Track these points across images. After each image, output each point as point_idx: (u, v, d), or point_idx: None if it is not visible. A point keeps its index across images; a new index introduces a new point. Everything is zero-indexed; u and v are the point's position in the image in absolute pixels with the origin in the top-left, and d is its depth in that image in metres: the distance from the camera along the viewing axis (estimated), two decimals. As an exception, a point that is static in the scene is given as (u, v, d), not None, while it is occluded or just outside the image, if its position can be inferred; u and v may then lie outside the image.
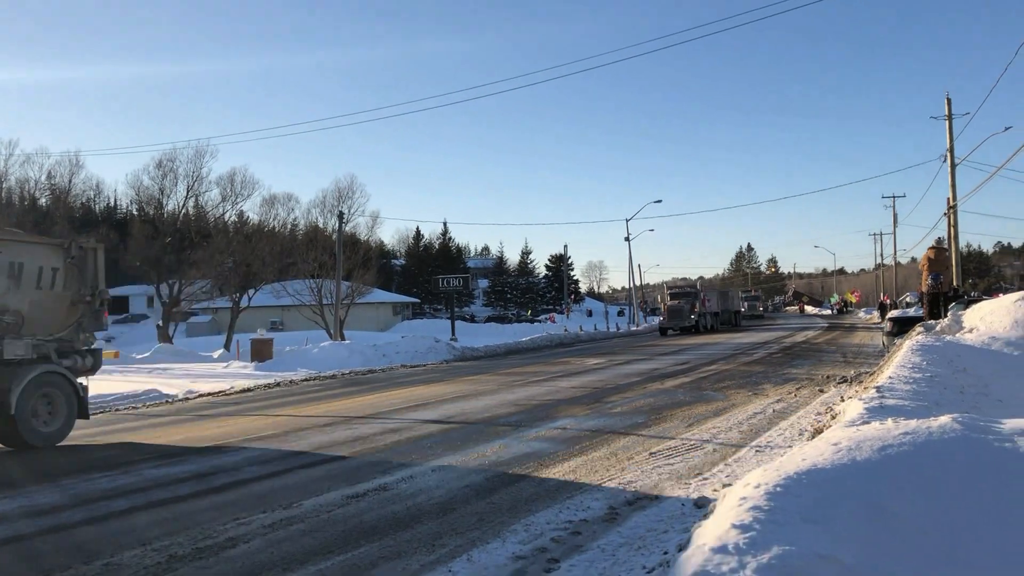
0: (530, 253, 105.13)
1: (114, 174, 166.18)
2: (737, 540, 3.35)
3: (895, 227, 70.07)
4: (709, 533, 3.52)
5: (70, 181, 52.25)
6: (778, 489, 3.76)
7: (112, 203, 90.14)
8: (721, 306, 54.06)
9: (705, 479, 7.93)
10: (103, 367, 14.28)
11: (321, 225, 53.09)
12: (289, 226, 55.73)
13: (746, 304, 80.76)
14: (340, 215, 42.12)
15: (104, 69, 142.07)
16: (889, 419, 5.03)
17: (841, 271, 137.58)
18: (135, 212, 59.18)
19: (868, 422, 6.30)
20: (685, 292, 48.74)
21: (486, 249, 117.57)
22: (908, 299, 58.95)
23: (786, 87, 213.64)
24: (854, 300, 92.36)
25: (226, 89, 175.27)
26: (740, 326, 56.57)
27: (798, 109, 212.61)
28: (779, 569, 3.12)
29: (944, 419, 4.62)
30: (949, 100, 34.13)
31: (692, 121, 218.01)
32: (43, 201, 52.06)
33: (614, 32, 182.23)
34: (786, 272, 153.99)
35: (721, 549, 3.30)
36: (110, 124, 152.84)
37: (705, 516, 4.37)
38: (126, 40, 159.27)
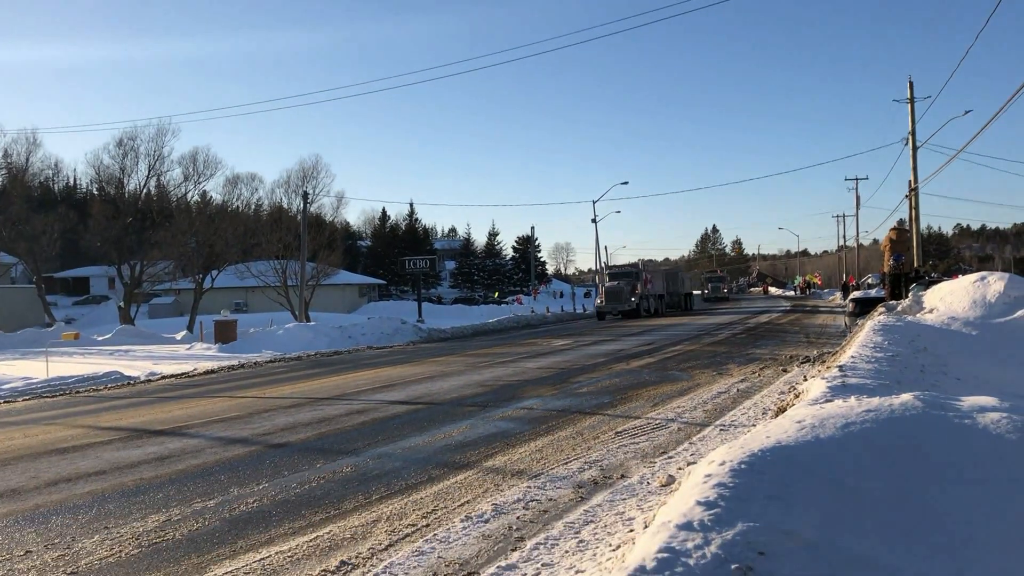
0: (497, 235, 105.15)
1: (73, 153, 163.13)
2: (702, 517, 3.36)
3: (857, 209, 71.03)
4: (674, 510, 3.53)
5: (27, 160, 51.17)
6: (743, 466, 3.78)
7: (72, 182, 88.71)
8: (668, 288, 50.07)
9: (670, 458, 7.98)
10: (63, 349, 14.01)
11: (286, 206, 52.62)
12: (253, 206, 55.22)
13: (710, 286, 78.65)
14: (305, 195, 41.74)
15: (62, 46, 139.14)
16: (852, 397, 5.08)
17: (804, 253, 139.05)
18: (95, 192, 58.21)
19: (831, 400, 6.37)
20: (625, 272, 44.57)
21: (453, 231, 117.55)
22: (870, 280, 59.86)
23: (751, 70, 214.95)
24: (817, 282, 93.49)
25: (188, 68, 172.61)
26: (692, 310, 52.92)
27: (763, 91, 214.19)
28: (743, 545, 3.14)
29: (905, 397, 4.68)
30: (911, 83, 34.52)
31: (659, 103, 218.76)
32: (-1, 180, 50.97)
33: (580, 12, 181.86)
34: (751, 253, 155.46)
35: (686, 526, 3.31)
36: (68, 102, 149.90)
37: (671, 494, 4.39)
38: (85, 17, 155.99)
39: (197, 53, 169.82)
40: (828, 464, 3.83)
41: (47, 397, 16.35)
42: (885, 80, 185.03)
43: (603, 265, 53.83)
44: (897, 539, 3.27)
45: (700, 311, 50.42)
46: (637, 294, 41.93)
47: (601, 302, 42.86)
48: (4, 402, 15.72)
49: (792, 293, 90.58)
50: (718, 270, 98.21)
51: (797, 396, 8.72)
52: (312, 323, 34.20)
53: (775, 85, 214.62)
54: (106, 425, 11.56)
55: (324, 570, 5.03)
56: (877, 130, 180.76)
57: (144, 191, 48.07)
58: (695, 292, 68.53)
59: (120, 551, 5.51)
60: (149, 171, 47.55)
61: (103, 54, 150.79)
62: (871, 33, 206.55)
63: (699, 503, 3.48)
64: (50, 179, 77.73)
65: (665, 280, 49.52)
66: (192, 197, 51.67)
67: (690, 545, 3.16)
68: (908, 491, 3.63)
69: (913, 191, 33.76)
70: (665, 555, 3.10)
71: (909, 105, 34.69)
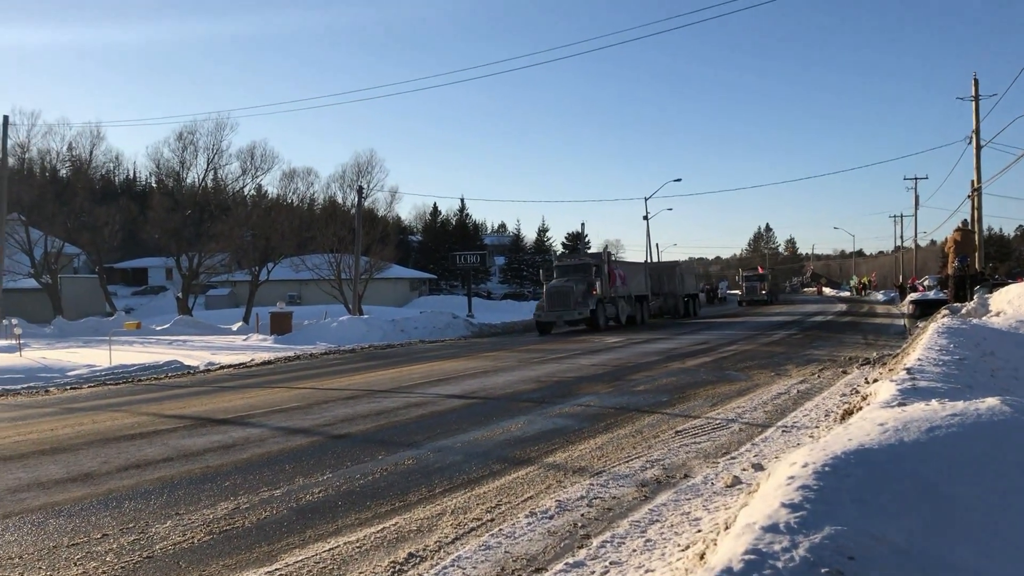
0: (547, 231, 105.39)
1: (133, 146, 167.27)
2: (788, 519, 3.30)
3: (916, 209, 69.53)
4: (758, 512, 3.47)
5: (91, 152, 52.46)
6: (826, 469, 3.71)
7: (132, 175, 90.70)
8: (659, 287, 40.39)
9: (733, 458, 7.87)
10: (124, 337, 14.37)
11: (340, 200, 53.30)
12: (308, 200, 55.92)
13: (745, 286, 65.77)
14: (360, 190, 42.19)
15: (123, 36, 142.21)
16: (934, 400, 4.96)
17: (860, 253, 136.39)
18: (155, 184, 59.44)
19: (904, 403, 6.23)
20: (580, 265, 32.69)
21: (503, 226, 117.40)
22: (927, 282, 58.52)
23: (808, 66, 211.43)
24: (872, 282, 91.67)
25: (246, 60, 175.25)
26: (696, 315, 43.00)
27: (820, 88, 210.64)
28: (832, 549, 3.08)
29: (992, 401, 4.55)
30: (976, 80, 33.66)
31: (713, 99, 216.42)
32: (63, 172, 52.35)
33: (632, 7, 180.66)
34: (804, 253, 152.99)
35: (772, 528, 3.25)
36: (129, 95, 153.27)
37: (748, 494, 4.33)
38: (143, 9, 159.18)
39: (254, 41, 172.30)
40: (915, 468, 3.73)
41: (110, 384, 16.75)
42: (948, 77, 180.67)
43: (555, 255, 34.22)
44: (996, 547, 3.18)
45: (716, 318, 41.28)
46: (594, 297, 31.11)
47: (542, 308, 31.39)
48: (70, 388, 16.14)
49: (847, 294, 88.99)
50: (759, 267, 79.30)
51: (864, 398, 8.55)
52: (365, 316, 34.55)
53: (833, 82, 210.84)
54: (170, 413, 11.79)
55: (393, 561, 5.05)
56: (938, 128, 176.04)
57: (202, 184, 49.02)
58: (727, 294, 60.31)
59: (192, 537, 5.60)
60: (207, 164, 48.55)
61: (162, 44, 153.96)
62: (934, 28, 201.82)
63: (784, 505, 3.42)
64: (111, 172, 79.56)
65: (649, 277, 39.18)
66: (249, 190, 52.59)
67: (777, 548, 3.10)
68: (1005, 498, 3.53)
69: (976, 191, 32.93)
70: (752, 557, 3.05)
71: (973, 103, 33.85)
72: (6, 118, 23.24)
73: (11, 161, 40.45)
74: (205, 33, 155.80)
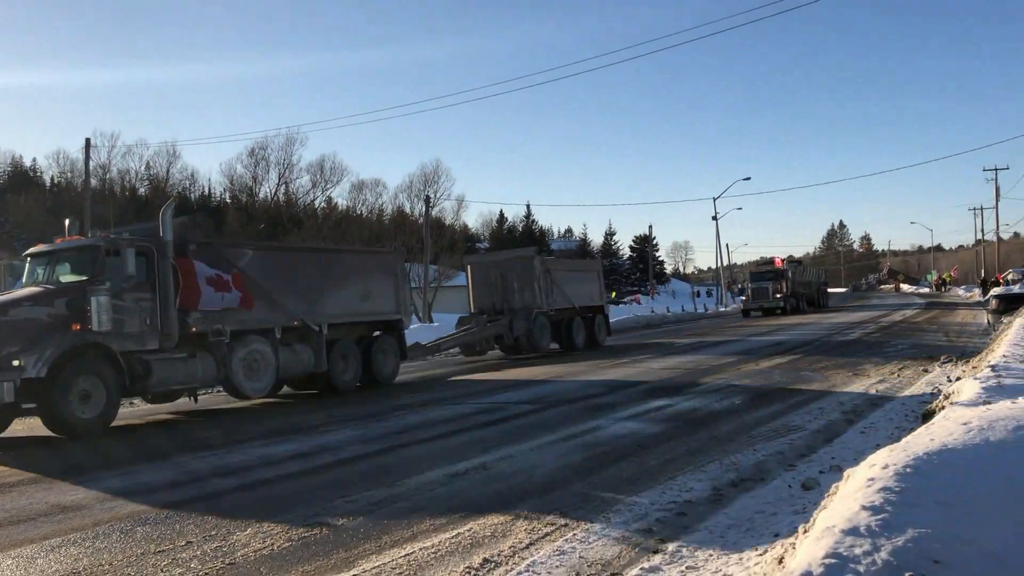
0: (614, 234, 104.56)
1: (207, 163, 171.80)
2: (869, 522, 3.22)
3: (997, 201, 67.13)
4: (837, 515, 3.40)
5: (167, 171, 54.38)
6: (908, 470, 3.61)
7: (207, 191, 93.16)
8: (501, 301, 23.54)
9: (810, 461, 7.71)
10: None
11: (408, 210, 54.03)
12: (377, 211, 56.81)
13: (751, 289, 43.01)
14: (427, 199, 42.69)
15: (195, 63, 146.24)
16: (1021, 398, 4.78)
17: (938, 248, 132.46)
18: (229, 200, 61.04)
19: (989, 401, 6.03)
20: (78, 249, 12.17)
21: (569, 231, 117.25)
22: (1011, 276, 56.41)
23: (882, 56, 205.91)
24: (952, 278, 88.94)
25: (314, 78, 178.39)
26: (596, 346, 25.23)
27: (894, 79, 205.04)
28: (915, 553, 2.99)
29: (1084, 398, 4.37)
30: (1059, 65, 32.35)
31: (782, 94, 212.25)
32: (142, 191, 54.18)
33: (696, 6, 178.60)
34: (880, 250, 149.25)
35: (852, 531, 3.18)
36: (202, 114, 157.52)
37: (828, 496, 4.23)
38: (213, 33, 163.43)
39: (320, 65, 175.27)
40: (1004, 469, 3.60)
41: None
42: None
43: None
44: (1092, 551, 3.05)
45: (638, 351, 22.58)
46: (71, 336, 10.79)
47: None
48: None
49: (926, 290, 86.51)
50: (777, 259, 48.76)
51: (946, 397, 8.30)
52: (435, 324, 34.85)
53: (907, 71, 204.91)
54: (248, 424, 12.08)
55: (468, 567, 5.08)
56: (1019, 117, 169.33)
57: (275, 198, 50.19)
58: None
59: (272, 544, 5.72)
60: (279, 179, 49.74)
61: (232, 69, 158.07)
62: (1012, 12, 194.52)
63: (864, 508, 3.34)
64: (187, 189, 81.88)
65: (401, 282, 17.90)
66: (319, 203, 53.69)
67: (858, 551, 3.03)
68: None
69: (1062, 180, 31.66)
70: (832, 560, 2.99)
71: (1057, 88, 32.55)
72: (88, 140, 24.18)
73: (93, 181, 42.05)
74: (272, 58, 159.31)
